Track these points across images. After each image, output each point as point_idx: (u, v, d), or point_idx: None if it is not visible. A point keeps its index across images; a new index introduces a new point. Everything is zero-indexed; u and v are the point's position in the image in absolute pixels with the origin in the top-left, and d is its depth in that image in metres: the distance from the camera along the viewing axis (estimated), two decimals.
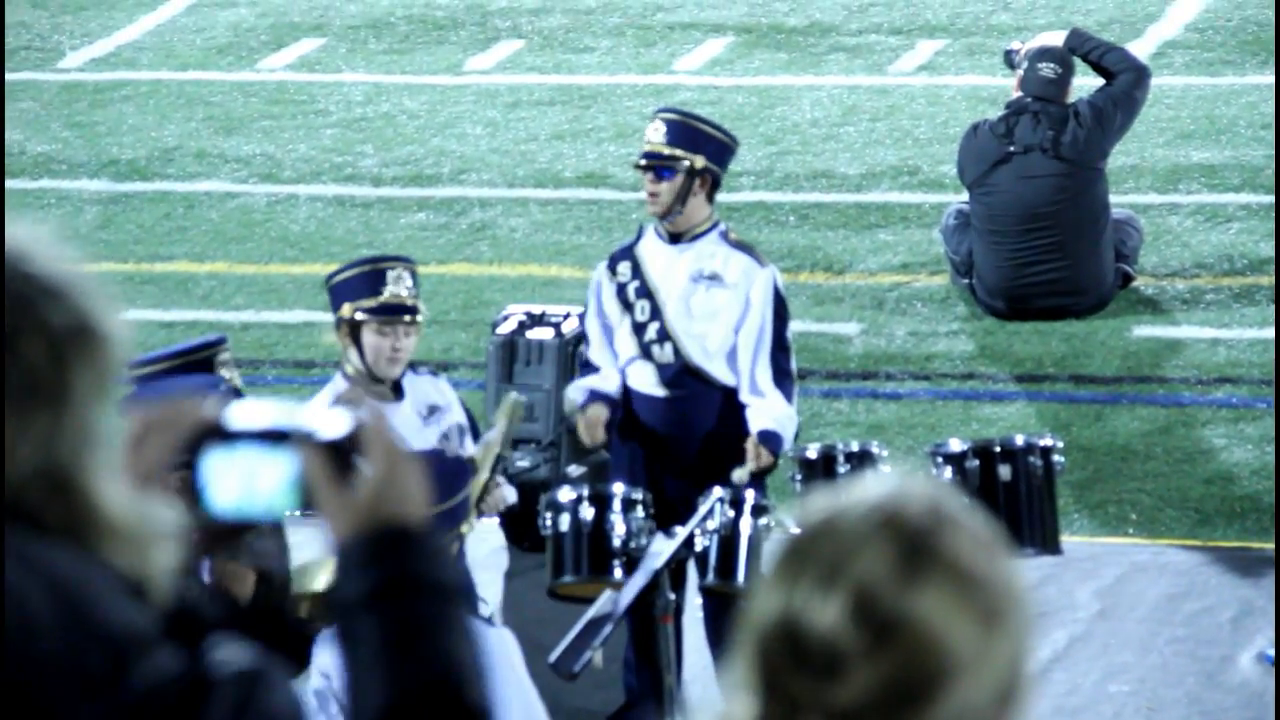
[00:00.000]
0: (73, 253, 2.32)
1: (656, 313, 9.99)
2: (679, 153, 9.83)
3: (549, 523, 8.95)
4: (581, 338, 10.06)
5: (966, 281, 13.32)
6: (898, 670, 2.14)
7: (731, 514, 8.85)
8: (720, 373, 9.77)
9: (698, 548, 8.83)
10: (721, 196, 10.03)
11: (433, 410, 9.09)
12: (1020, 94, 13.10)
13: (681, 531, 8.59)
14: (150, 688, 2.25)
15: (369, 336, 8.95)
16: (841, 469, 9.34)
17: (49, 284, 2.34)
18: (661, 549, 8.62)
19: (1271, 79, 15.48)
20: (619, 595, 8.48)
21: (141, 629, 2.29)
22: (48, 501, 2.31)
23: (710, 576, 8.92)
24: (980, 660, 2.19)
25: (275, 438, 2.53)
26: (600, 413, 9.73)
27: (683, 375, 10.03)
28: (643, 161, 9.96)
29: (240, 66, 18.17)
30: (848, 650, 2.13)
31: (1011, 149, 13.14)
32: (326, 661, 7.33)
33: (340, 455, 2.49)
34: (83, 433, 2.35)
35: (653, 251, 10.02)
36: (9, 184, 15.77)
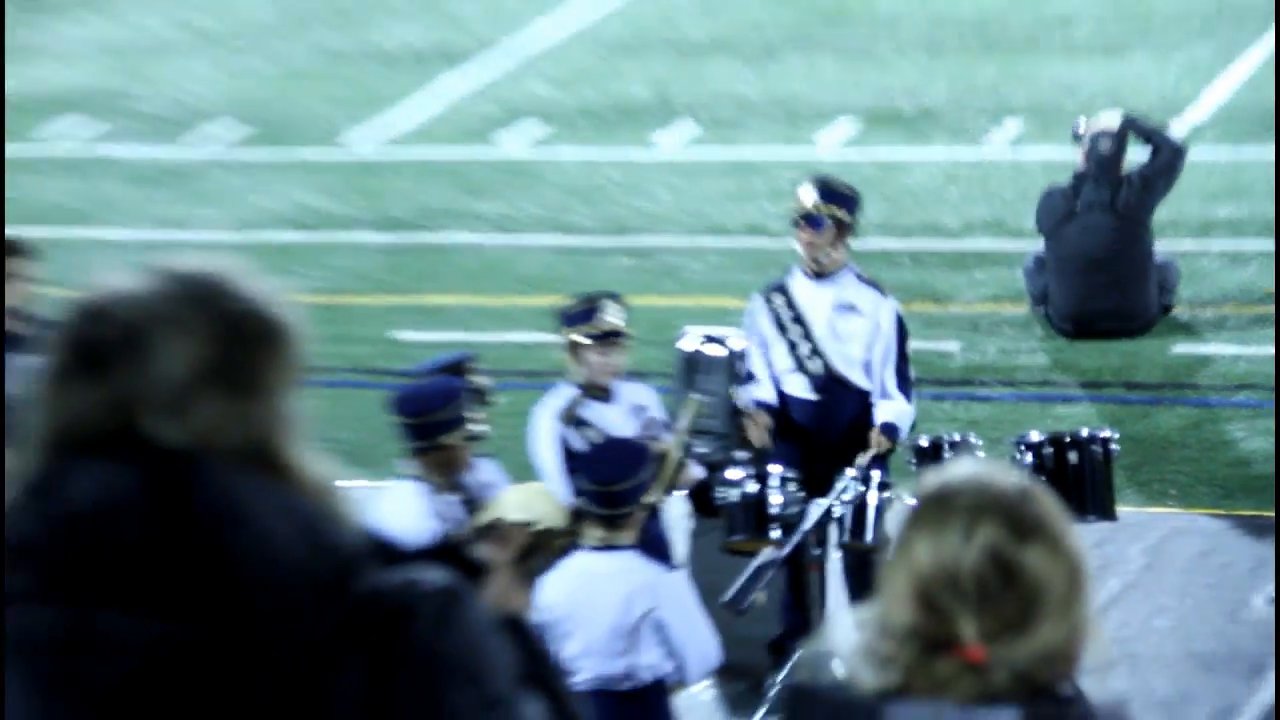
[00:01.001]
0: (259, 276, 2.30)
1: (808, 334, 10.03)
2: (829, 209, 9.91)
3: (722, 495, 9.07)
4: (745, 353, 10.08)
5: (1043, 310, 13.36)
6: (1017, 606, 2.26)
7: (862, 488, 8.99)
8: (859, 380, 9.85)
9: (836, 514, 8.98)
10: (853, 244, 10.10)
11: (638, 409, 9.24)
12: (1084, 164, 13.11)
13: (824, 502, 8.87)
14: (368, 595, 2.18)
15: (590, 356, 9.01)
16: (947, 454, 9.36)
17: (247, 298, 2.25)
18: (810, 515, 8.89)
19: None
20: (777, 551, 8.67)
21: (358, 548, 2.22)
22: (257, 468, 2.20)
23: (846, 536, 9.05)
24: (1066, 601, 2.30)
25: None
26: (766, 419, 9.84)
27: (829, 383, 10.04)
28: (800, 219, 10.00)
29: (483, 142, 18.35)
30: (990, 586, 2.26)
31: (1077, 207, 13.14)
32: (548, 597, 7.17)
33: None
34: (274, 414, 2.26)
35: (801, 286, 10.08)
36: (299, 237, 16.34)
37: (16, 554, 2.16)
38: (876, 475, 9.26)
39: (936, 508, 2.38)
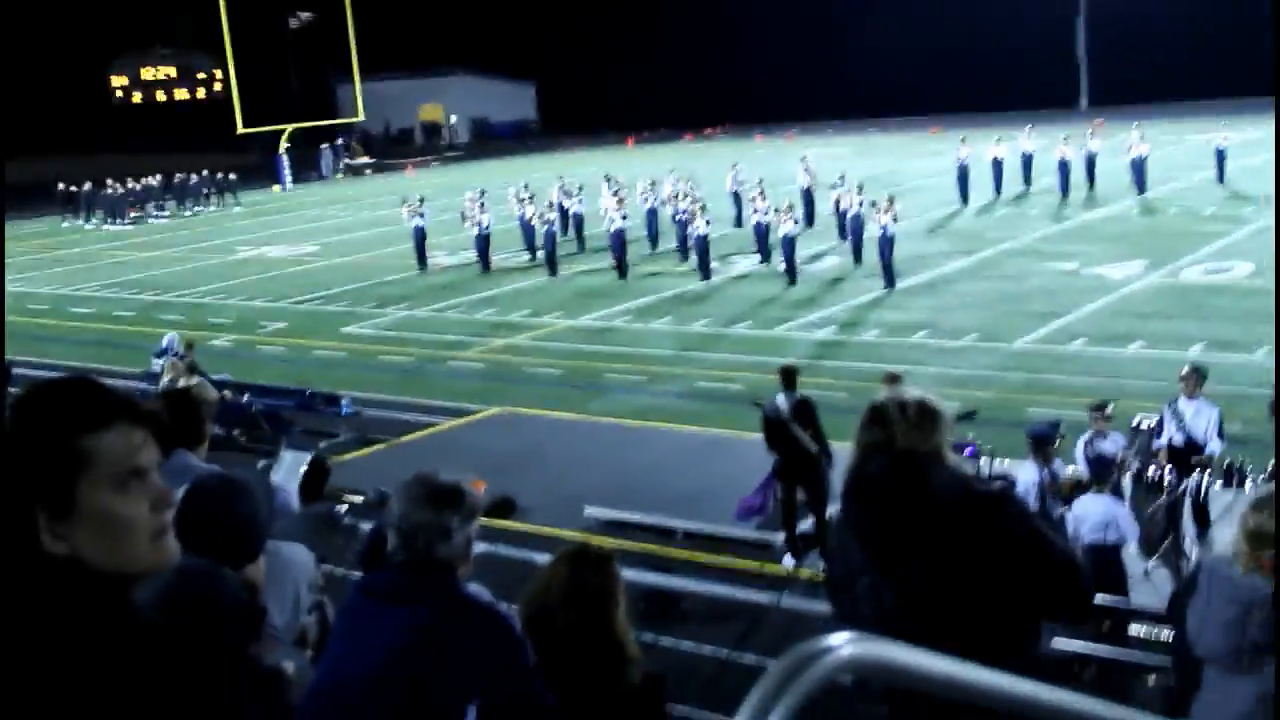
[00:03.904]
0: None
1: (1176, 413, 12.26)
2: None
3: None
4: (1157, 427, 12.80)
5: None
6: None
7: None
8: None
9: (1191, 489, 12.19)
10: None
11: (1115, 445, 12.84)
12: None
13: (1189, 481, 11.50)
14: (979, 493, 3.58)
15: (1100, 422, 11.77)
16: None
17: (917, 399, 3.62)
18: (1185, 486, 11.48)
19: None
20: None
21: (974, 481, 3.64)
22: (935, 461, 3.56)
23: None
24: None
25: None
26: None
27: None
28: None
29: None
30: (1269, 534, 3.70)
31: None
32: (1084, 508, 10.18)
33: None
34: (942, 441, 3.62)
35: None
36: None
37: (854, 483, 3.76)
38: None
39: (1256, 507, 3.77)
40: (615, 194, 31.35)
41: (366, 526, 4.52)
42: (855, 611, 3.70)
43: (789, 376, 12.70)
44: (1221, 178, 37.00)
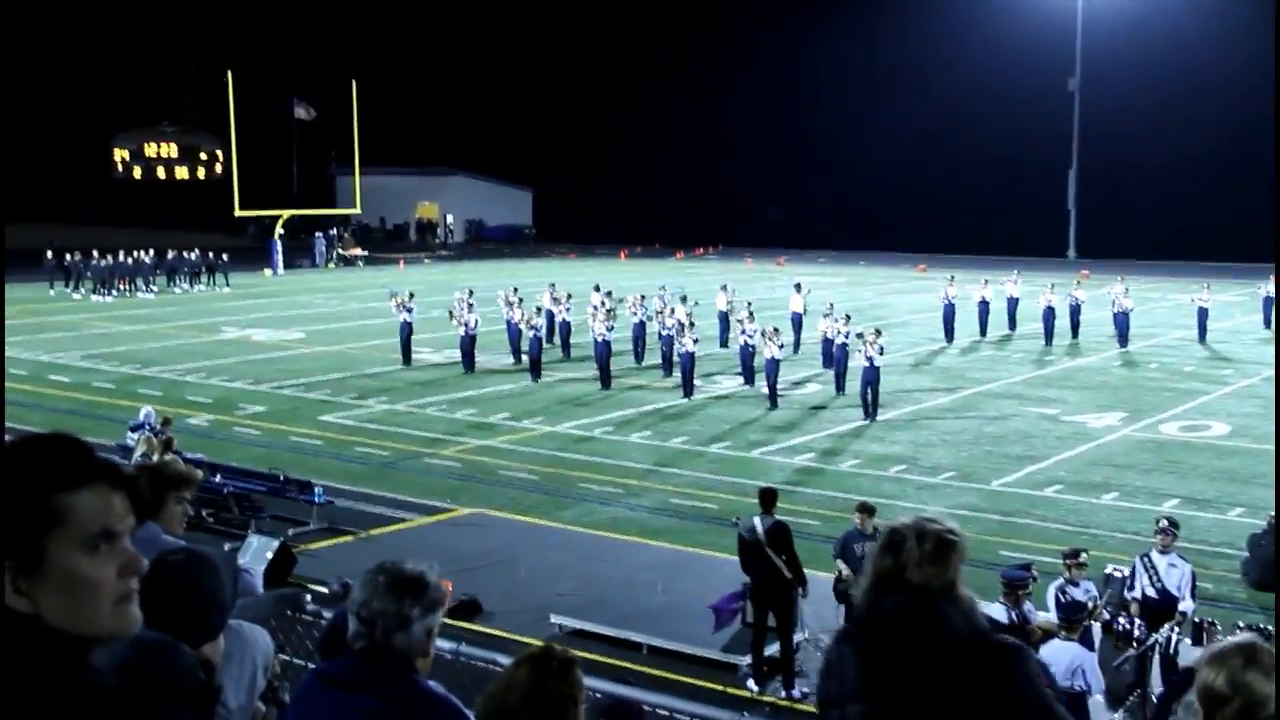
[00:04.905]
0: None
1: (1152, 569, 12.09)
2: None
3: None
4: (1124, 578, 12.64)
5: None
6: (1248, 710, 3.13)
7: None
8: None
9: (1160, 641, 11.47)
10: None
11: (1088, 594, 11.58)
12: None
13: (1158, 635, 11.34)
14: (991, 641, 3.51)
15: (1074, 570, 12.85)
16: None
17: (943, 527, 3.51)
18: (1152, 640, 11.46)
19: None
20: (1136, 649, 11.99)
21: (984, 625, 3.53)
22: (951, 598, 3.36)
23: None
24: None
25: None
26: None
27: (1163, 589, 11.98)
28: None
29: None
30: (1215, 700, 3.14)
31: None
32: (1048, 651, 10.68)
33: None
34: (948, 578, 3.44)
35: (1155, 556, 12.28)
36: None
37: (867, 614, 3.64)
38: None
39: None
40: (604, 304, 31.56)
41: (328, 615, 4.52)
42: None
43: (768, 499, 12.73)
44: (1203, 337, 37.47)
